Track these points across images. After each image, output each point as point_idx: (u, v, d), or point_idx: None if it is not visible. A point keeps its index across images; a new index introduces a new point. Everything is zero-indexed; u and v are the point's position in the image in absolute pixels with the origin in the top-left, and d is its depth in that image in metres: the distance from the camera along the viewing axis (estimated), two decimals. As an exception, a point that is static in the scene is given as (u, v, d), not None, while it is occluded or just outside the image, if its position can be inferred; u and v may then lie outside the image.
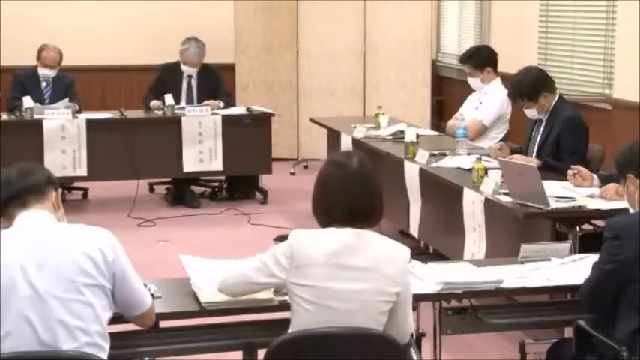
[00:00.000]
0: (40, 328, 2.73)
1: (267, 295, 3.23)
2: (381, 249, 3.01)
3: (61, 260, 2.79)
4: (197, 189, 8.29)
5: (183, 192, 8.08)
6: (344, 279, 2.94)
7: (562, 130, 5.38)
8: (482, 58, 6.69)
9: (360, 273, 2.95)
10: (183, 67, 8.07)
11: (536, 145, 5.55)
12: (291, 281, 2.98)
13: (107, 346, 2.86)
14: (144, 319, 3.07)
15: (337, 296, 2.93)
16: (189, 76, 8.13)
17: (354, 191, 3.01)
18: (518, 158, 5.34)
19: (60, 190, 3.03)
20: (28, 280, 2.74)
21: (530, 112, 5.54)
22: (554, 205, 4.45)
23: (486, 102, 6.65)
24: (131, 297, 2.96)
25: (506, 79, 6.40)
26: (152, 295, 3.16)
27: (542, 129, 5.53)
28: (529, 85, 5.46)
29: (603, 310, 3.24)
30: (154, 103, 7.96)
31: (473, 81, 6.71)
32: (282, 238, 3.05)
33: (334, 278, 2.94)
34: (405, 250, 3.05)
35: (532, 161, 5.23)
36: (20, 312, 2.72)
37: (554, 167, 5.23)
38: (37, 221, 2.89)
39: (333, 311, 2.93)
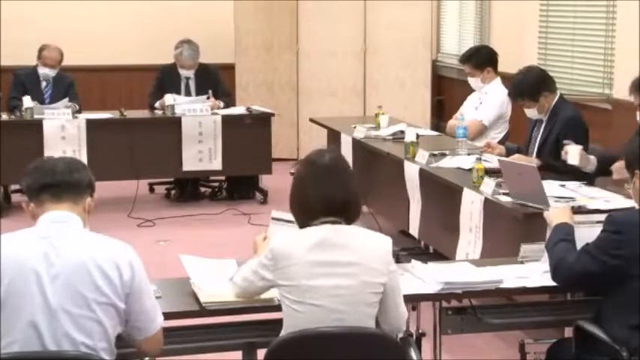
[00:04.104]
0: (47, 337, 2.69)
1: (267, 295, 3.24)
2: (362, 241, 3.03)
3: (76, 273, 2.72)
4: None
5: (185, 193, 8.13)
6: (327, 275, 2.96)
7: (562, 130, 5.38)
8: (482, 58, 6.70)
9: (342, 268, 2.97)
10: (180, 70, 8.09)
11: (537, 145, 5.55)
12: (278, 283, 3.01)
13: (113, 358, 2.83)
14: (148, 344, 2.95)
15: (322, 293, 2.94)
16: (187, 78, 8.14)
17: (326, 183, 3.04)
18: (518, 158, 5.34)
19: (95, 197, 2.95)
20: (41, 288, 2.70)
21: (531, 112, 5.54)
22: (554, 205, 4.44)
23: (486, 102, 6.65)
24: (140, 321, 2.87)
25: (506, 79, 6.39)
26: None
27: (542, 129, 5.53)
28: (530, 85, 5.46)
29: (579, 290, 3.37)
30: (161, 101, 7.92)
31: (473, 81, 6.72)
32: (270, 245, 3.06)
33: (317, 276, 2.95)
34: (386, 240, 3.07)
35: (532, 161, 5.23)
36: (31, 319, 2.69)
37: (554, 167, 5.23)
38: (60, 226, 2.81)
39: (321, 309, 2.94)
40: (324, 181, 3.05)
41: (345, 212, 3.06)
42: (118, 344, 2.87)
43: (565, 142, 5.10)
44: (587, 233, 3.43)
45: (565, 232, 3.46)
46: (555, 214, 3.64)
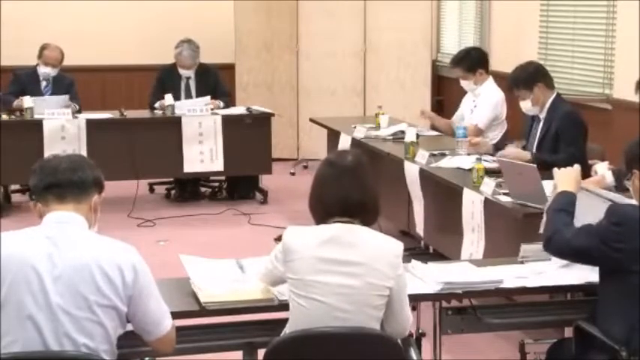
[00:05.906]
0: (48, 337, 2.69)
1: (267, 295, 3.24)
2: (370, 243, 3.04)
3: (78, 275, 2.71)
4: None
5: (185, 192, 8.15)
6: (331, 273, 2.97)
7: (560, 124, 5.41)
8: (473, 61, 6.64)
9: (347, 267, 2.98)
10: (180, 70, 8.09)
11: (536, 142, 5.55)
12: (287, 276, 3.04)
13: (114, 359, 2.84)
14: (158, 345, 2.96)
15: (327, 290, 2.95)
16: (187, 78, 8.14)
17: (343, 184, 3.06)
18: (514, 152, 5.37)
19: (103, 195, 2.91)
20: (43, 288, 2.69)
21: (525, 105, 5.54)
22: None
23: (480, 104, 6.62)
24: (145, 324, 2.87)
25: (505, 79, 6.38)
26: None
27: (540, 126, 5.54)
28: (525, 74, 5.52)
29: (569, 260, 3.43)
30: (161, 102, 7.92)
31: (466, 84, 6.68)
32: (282, 238, 3.09)
33: (321, 272, 2.97)
34: (396, 245, 3.07)
35: (524, 155, 5.27)
36: (32, 318, 2.68)
37: (548, 162, 5.21)
38: (64, 226, 2.80)
39: (324, 306, 2.95)
40: (343, 181, 3.07)
41: (360, 214, 3.08)
42: (118, 344, 2.87)
43: (590, 162, 5.06)
44: (590, 204, 3.48)
45: (568, 201, 3.45)
46: (563, 178, 3.60)
